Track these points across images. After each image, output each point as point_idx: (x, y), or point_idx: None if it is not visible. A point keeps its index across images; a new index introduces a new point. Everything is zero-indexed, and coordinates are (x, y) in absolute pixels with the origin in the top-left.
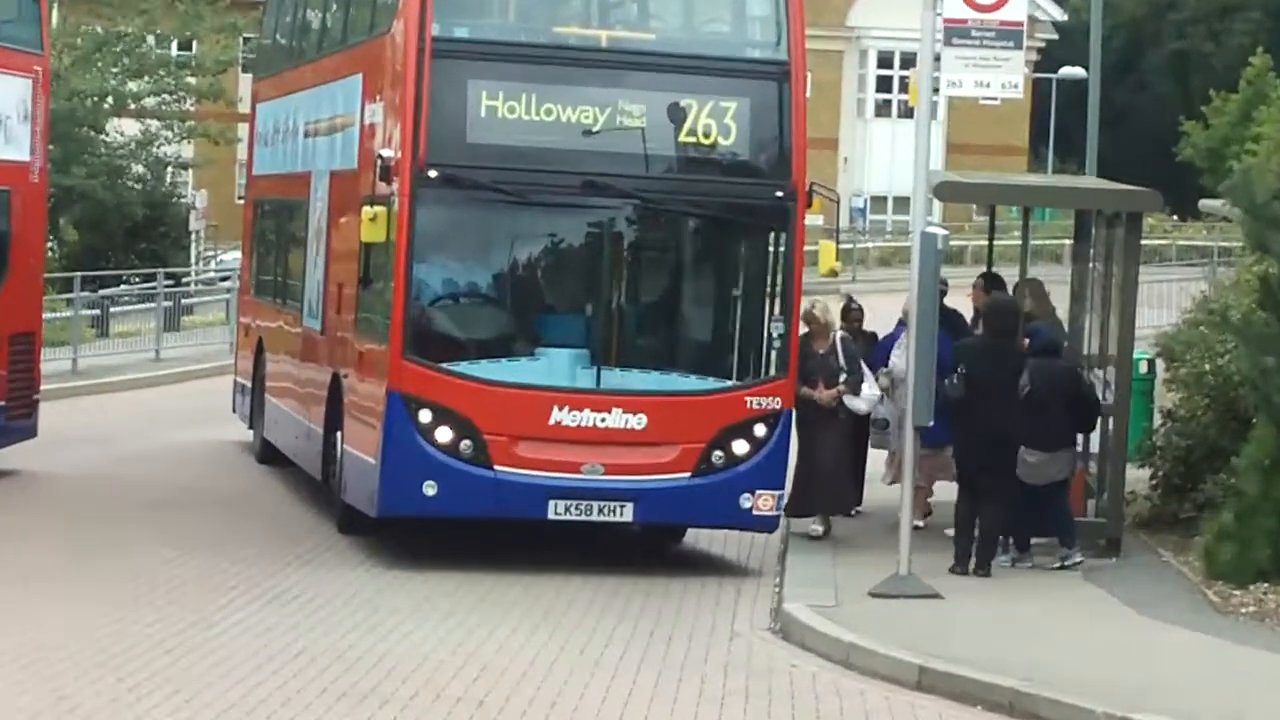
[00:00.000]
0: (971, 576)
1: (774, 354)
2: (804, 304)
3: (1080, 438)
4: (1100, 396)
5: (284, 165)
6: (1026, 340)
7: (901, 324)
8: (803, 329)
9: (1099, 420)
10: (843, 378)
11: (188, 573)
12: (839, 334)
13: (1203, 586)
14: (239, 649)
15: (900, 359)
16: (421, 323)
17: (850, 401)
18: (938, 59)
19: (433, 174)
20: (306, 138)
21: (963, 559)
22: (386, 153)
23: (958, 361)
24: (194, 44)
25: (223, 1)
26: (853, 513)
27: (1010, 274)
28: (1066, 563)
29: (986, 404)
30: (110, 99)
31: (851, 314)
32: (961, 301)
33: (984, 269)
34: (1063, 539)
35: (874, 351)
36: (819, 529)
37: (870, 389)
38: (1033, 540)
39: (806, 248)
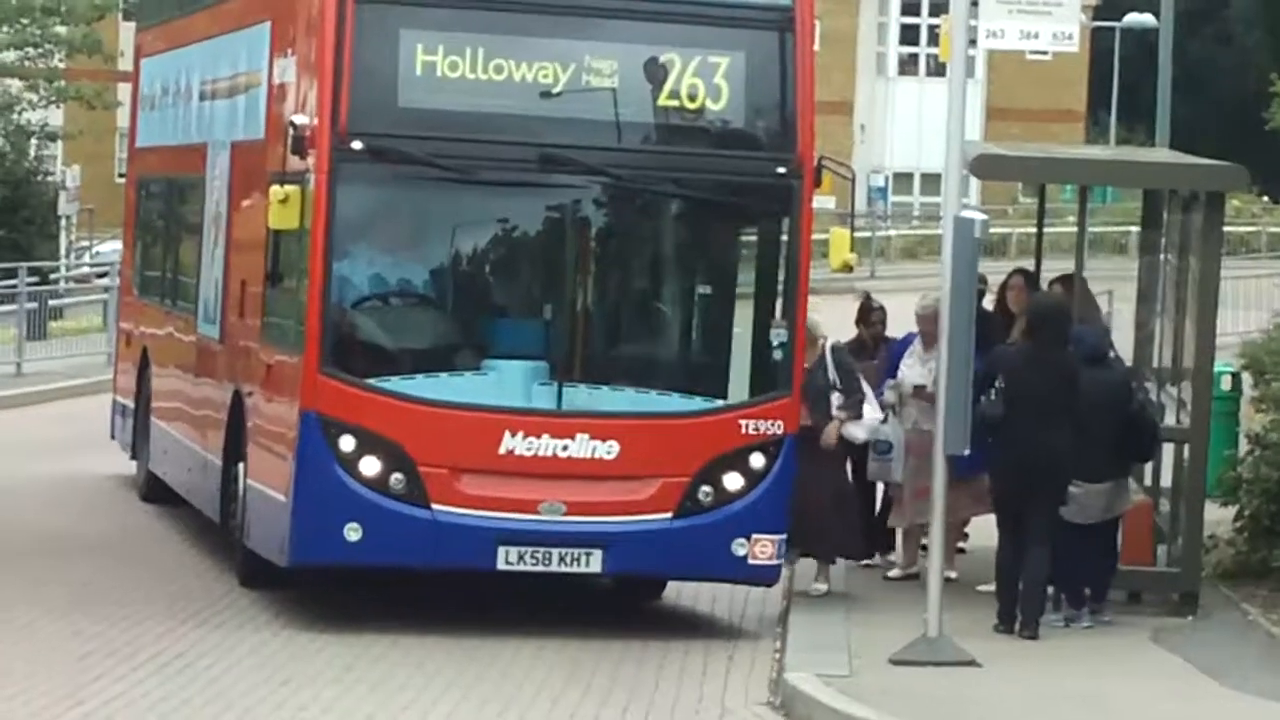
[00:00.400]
0: (1017, 638)
1: (774, 367)
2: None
3: (1149, 469)
4: (1175, 418)
5: (175, 135)
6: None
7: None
8: None
9: (1160, 446)
10: (837, 400)
11: (54, 637)
12: (827, 343)
13: None
14: None
15: (912, 370)
16: (343, 329)
17: (846, 429)
18: (975, 3)
19: (356, 145)
20: (202, 101)
21: (1008, 616)
22: (300, 119)
23: (994, 374)
24: None
25: None
26: (866, 562)
27: (1058, 268)
28: (1074, 625)
29: (1030, 424)
30: None
31: (871, 316)
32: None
33: (1030, 263)
34: (1096, 591)
35: (884, 361)
36: (822, 586)
37: (872, 411)
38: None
39: (815, 236)
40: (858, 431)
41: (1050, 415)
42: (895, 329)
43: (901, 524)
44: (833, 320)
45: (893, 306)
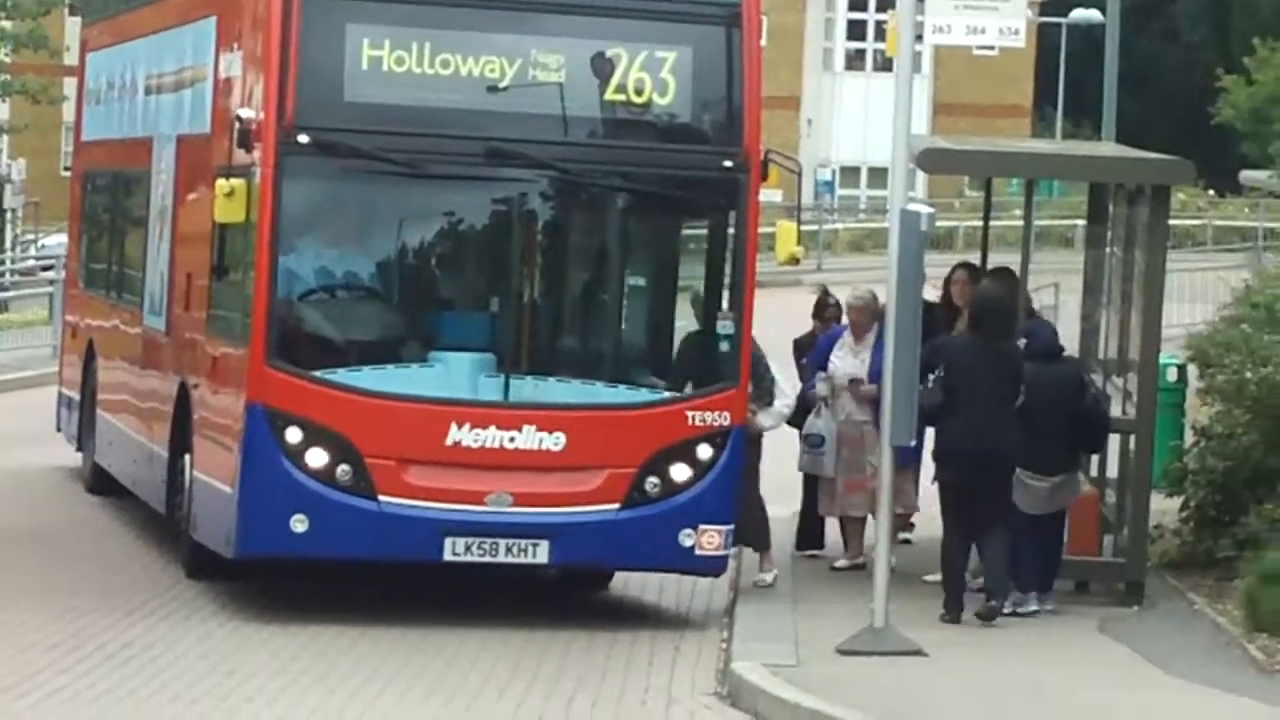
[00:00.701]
0: (966, 626)
1: (721, 359)
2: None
3: (1095, 460)
4: (1121, 409)
5: (120, 129)
6: (1023, 341)
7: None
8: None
9: (1109, 439)
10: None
11: None
12: None
13: (1244, 640)
14: None
15: (844, 362)
16: (289, 321)
17: (753, 419)
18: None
19: (303, 139)
20: (148, 95)
21: (955, 605)
22: (246, 113)
23: (935, 363)
24: None
25: None
26: (811, 552)
27: (1005, 262)
28: (1020, 610)
29: (974, 415)
30: None
31: (827, 310)
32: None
33: (976, 257)
34: (1042, 581)
35: (812, 353)
36: (768, 577)
37: (781, 402)
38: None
39: (761, 229)
40: (763, 420)
41: (994, 406)
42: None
43: (832, 513)
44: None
45: (839, 299)
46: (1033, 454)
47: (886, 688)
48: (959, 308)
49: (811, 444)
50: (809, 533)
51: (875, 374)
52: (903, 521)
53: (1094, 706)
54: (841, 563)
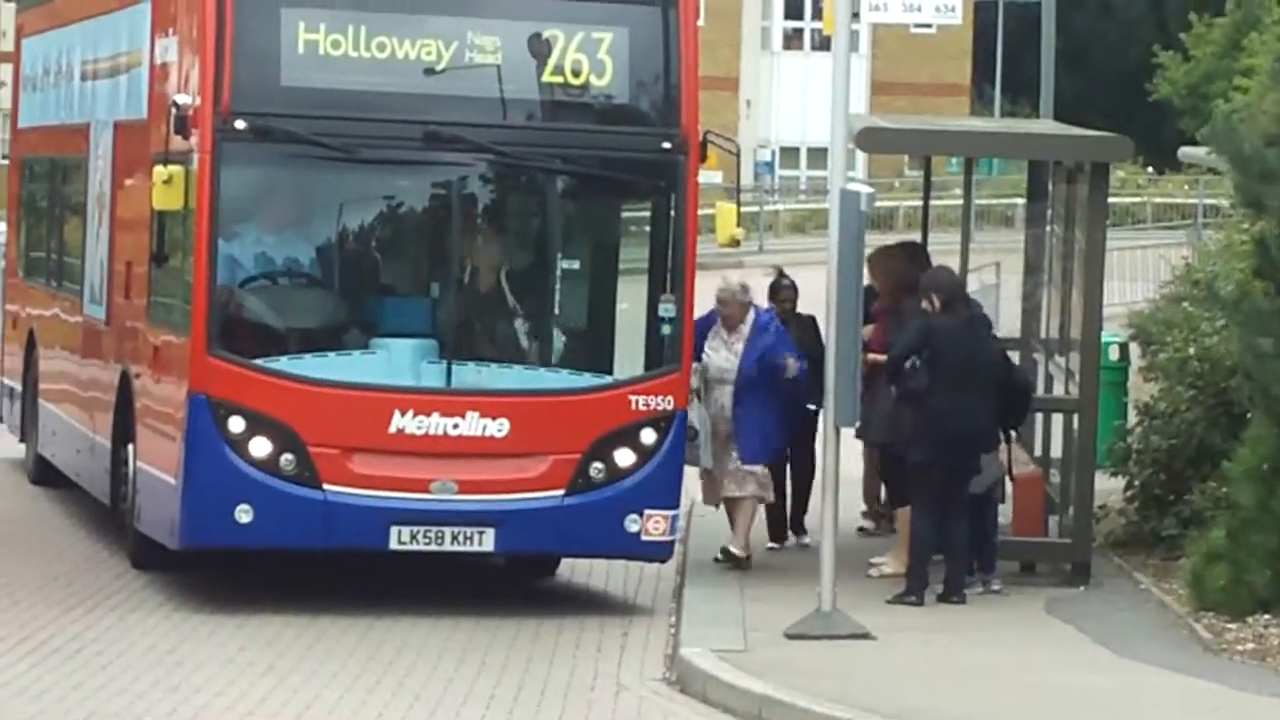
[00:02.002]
0: (910, 610)
1: (663, 342)
2: None
3: (1039, 440)
4: (1064, 389)
5: (57, 115)
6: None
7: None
8: None
9: (1059, 419)
10: None
11: None
12: None
13: (1190, 619)
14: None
15: (717, 354)
16: (230, 309)
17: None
18: None
19: (240, 125)
20: (84, 81)
21: (919, 588)
22: (182, 99)
23: (924, 345)
24: None
25: None
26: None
27: (946, 241)
28: (992, 588)
29: (959, 397)
30: None
31: (782, 293)
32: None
33: (919, 236)
34: (985, 561)
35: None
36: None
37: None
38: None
39: (702, 211)
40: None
41: (976, 386)
42: (805, 305)
43: (712, 503)
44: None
45: (794, 280)
46: None
47: (835, 671)
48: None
49: (688, 437)
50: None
51: (748, 365)
52: (754, 514)
53: (1042, 687)
54: (733, 549)
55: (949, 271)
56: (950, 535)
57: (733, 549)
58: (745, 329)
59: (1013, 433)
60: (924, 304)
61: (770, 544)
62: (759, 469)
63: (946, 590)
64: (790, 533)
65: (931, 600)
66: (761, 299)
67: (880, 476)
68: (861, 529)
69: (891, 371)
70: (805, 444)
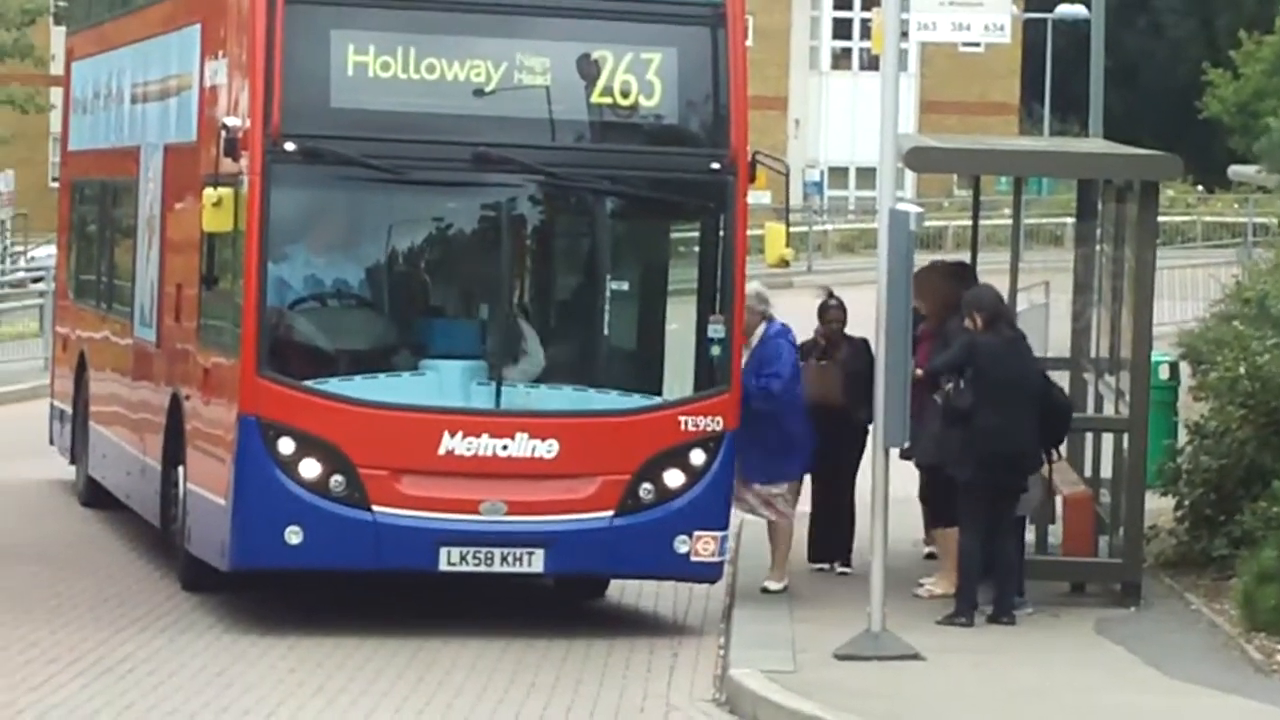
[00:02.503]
0: (961, 630)
1: (713, 363)
2: None
3: (1089, 460)
4: (1114, 408)
5: (107, 138)
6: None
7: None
8: None
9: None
10: None
11: None
12: None
13: (1241, 640)
14: None
15: None
16: (279, 331)
17: None
18: None
19: (289, 147)
20: (134, 104)
21: (967, 609)
22: (232, 121)
23: (967, 363)
24: None
25: None
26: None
27: (995, 260)
28: (1025, 610)
29: (1005, 416)
30: None
31: (830, 313)
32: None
33: (968, 255)
34: (1019, 586)
35: None
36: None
37: None
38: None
39: (750, 232)
40: None
41: (1022, 405)
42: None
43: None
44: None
45: (842, 300)
46: None
47: (885, 692)
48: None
49: None
50: (821, 544)
51: (745, 378)
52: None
53: (1091, 708)
54: (770, 585)
55: (992, 290)
56: (999, 556)
57: (770, 586)
58: (755, 339)
59: (1055, 453)
60: (966, 322)
61: (813, 564)
62: (777, 489)
63: (996, 611)
64: (836, 561)
65: (981, 621)
66: (808, 319)
67: (920, 497)
68: (930, 555)
69: (930, 383)
70: (849, 465)
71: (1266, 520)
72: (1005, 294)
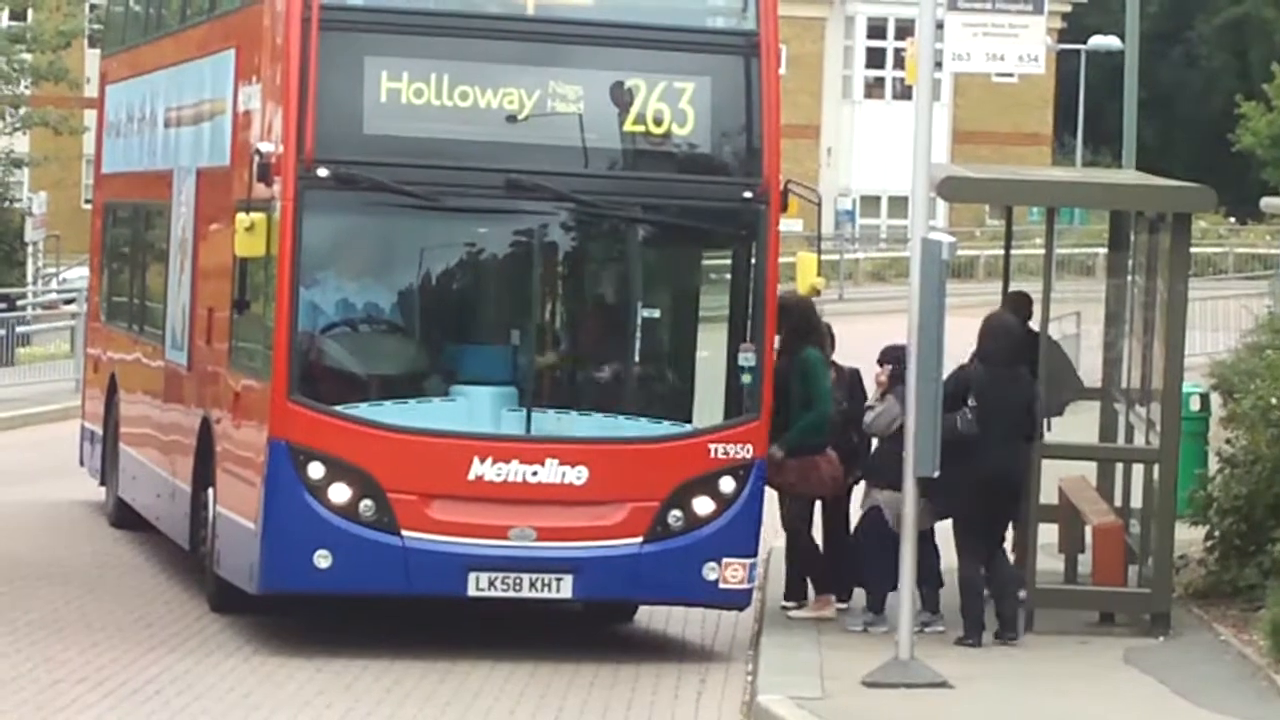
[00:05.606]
0: (989, 658)
1: (743, 391)
2: None
3: (1119, 490)
4: (1144, 439)
5: (140, 161)
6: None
7: None
8: None
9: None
10: None
11: (23, 664)
12: None
13: (1270, 670)
14: None
15: None
16: (310, 355)
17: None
18: (940, 27)
19: (322, 173)
20: (168, 128)
21: (975, 629)
22: (265, 146)
23: (964, 392)
24: (29, 12)
25: None
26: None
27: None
28: (928, 629)
29: (997, 445)
30: None
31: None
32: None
33: (999, 286)
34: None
35: None
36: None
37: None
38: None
39: (782, 260)
40: None
41: (1012, 434)
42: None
43: None
44: None
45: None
46: None
47: (911, 718)
48: None
49: None
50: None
51: None
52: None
53: None
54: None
55: (999, 318)
56: (1004, 576)
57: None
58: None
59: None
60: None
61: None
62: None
63: (1001, 629)
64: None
65: (989, 640)
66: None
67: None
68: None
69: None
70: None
71: None
72: (1037, 324)
